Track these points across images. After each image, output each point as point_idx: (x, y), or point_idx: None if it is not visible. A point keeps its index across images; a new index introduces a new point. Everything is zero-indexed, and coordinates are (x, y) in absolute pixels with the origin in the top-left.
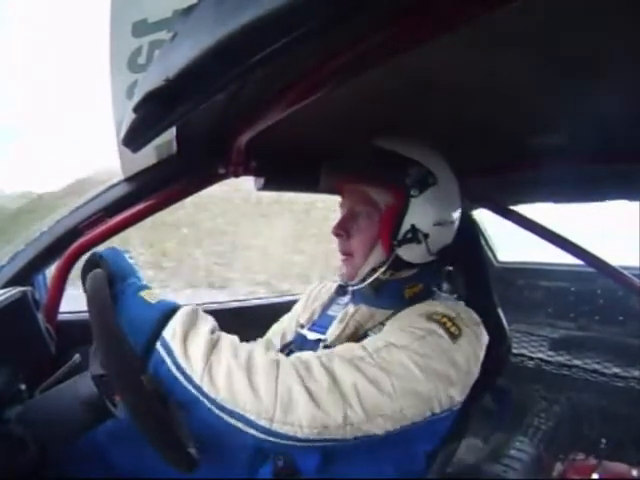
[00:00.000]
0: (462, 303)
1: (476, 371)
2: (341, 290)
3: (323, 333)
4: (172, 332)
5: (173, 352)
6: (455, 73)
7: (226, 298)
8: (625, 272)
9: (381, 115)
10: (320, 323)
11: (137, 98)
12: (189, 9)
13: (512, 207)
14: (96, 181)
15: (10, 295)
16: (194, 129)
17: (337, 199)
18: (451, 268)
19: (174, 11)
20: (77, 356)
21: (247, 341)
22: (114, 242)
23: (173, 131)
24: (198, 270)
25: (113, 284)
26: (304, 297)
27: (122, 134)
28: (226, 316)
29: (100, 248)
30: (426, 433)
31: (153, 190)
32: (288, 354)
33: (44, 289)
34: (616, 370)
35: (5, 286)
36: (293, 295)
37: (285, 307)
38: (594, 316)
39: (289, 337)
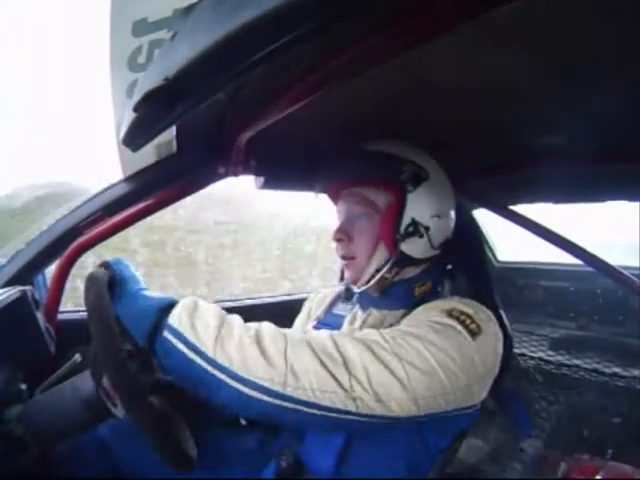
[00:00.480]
0: (476, 302)
1: (496, 369)
2: (347, 294)
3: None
4: (177, 318)
5: (182, 334)
6: (455, 73)
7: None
8: (625, 272)
9: (381, 115)
10: (327, 321)
11: (137, 97)
12: (189, 8)
13: (512, 207)
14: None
15: (10, 295)
16: (194, 128)
17: None
18: (451, 268)
19: (174, 10)
20: (77, 356)
21: None
22: (114, 242)
23: (173, 130)
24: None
25: (114, 287)
26: (307, 304)
27: (122, 133)
28: None
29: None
30: (442, 429)
31: (153, 189)
32: None
33: (44, 289)
34: (616, 370)
35: (5, 286)
36: (292, 295)
37: (284, 307)
38: (594, 316)
39: None
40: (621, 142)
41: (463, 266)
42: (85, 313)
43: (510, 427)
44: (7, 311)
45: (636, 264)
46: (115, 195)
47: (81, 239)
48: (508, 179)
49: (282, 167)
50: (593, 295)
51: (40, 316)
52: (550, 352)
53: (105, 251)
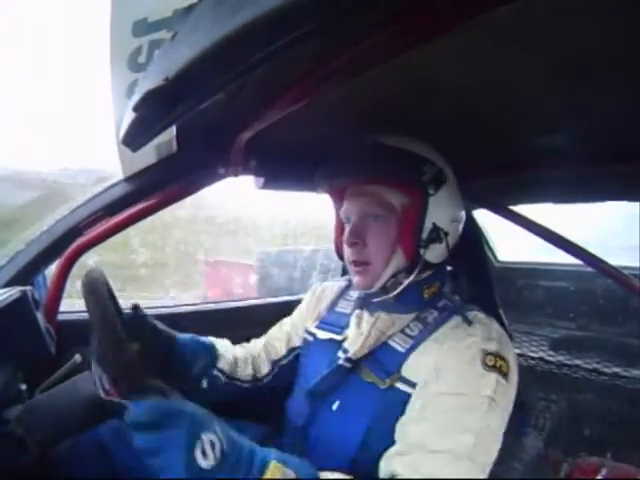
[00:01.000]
0: (492, 320)
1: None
2: (362, 303)
3: (336, 332)
4: None
5: None
6: (455, 73)
7: None
8: (625, 272)
9: (381, 115)
10: (329, 320)
11: (137, 97)
12: (189, 9)
13: (512, 207)
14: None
15: (10, 295)
16: (194, 129)
17: None
18: (452, 268)
19: (174, 11)
20: (77, 356)
21: (247, 340)
22: (114, 242)
23: (173, 130)
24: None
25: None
26: (307, 299)
27: (122, 133)
28: (223, 316)
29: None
30: None
31: (153, 190)
32: (295, 357)
33: (44, 289)
34: (616, 369)
35: (5, 286)
36: (293, 295)
37: (283, 307)
38: (594, 316)
39: (296, 342)
40: (621, 142)
41: (463, 266)
42: (85, 314)
43: (510, 427)
44: (7, 311)
45: (636, 264)
46: (115, 195)
47: (81, 239)
48: (508, 179)
49: (282, 167)
50: (593, 295)
51: (40, 316)
52: (550, 352)
53: (105, 251)
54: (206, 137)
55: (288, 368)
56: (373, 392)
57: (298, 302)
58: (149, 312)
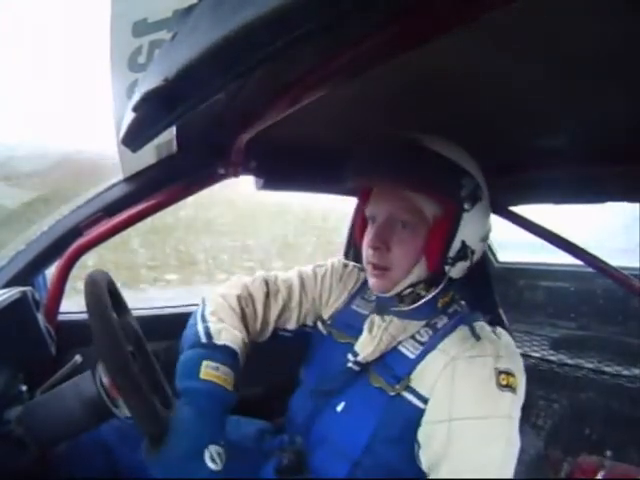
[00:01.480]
0: (498, 332)
1: None
2: (379, 309)
3: (353, 335)
4: None
5: None
6: (455, 73)
7: None
8: (625, 272)
9: (380, 116)
10: (345, 319)
11: (137, 97)
12: (189, 9)
13: (512, 207)
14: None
15: (10, 295)
16: (194, 129)
17: None
18: None
19: (174, 11)
20: (77, 357)
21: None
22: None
23: (173, 131)
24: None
25: None
26: (328, 272)
27: (122, 133)
28: None
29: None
30: None
31: (153, 190)
32: (303, 335)
33: (44, 289)
34: (616, 369)
35: (5, 286)
36: None
37: None
38: (594, 316)
39: (309, 318)
40: (621, 142)
41: None
42: (85, 314)
43: None
44: (7, 312)
45: (636, 264)
46: (115, 195)
47: (81, 240)
48: (508, 179)
49: (282, 168)
50: (593, 295)
51: (40, 317)
52: (551, 351)
53: (105, 251)
54: (206, 137)
55: (292, 340)
56: (380, 398)
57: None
58: (150, 312)
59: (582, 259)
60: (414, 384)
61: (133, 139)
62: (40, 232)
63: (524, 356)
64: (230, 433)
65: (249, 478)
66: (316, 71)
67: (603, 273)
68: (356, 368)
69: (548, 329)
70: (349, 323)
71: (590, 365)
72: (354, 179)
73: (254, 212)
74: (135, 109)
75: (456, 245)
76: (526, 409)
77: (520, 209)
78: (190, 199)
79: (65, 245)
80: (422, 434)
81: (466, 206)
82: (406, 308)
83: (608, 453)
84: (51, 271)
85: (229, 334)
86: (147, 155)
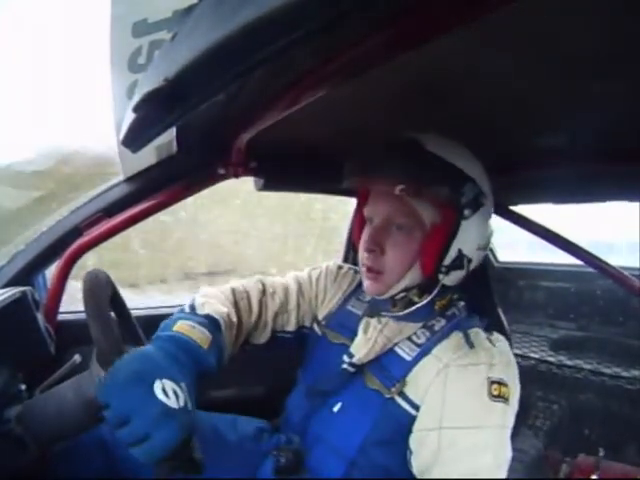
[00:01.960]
0: (492, 339)
1: None
2: (371, 312)
3: (347, 336)
4: None
5: None
6: (454, 73)
7: None
8: (625, 272)
9: (380, 116)
10: (340, 320)
11: (137, 98)
12: (189, 9)
13: (512, 207)
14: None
15: (10, 295)
16: (194, 129)
17: None
18: None
19: (174, 11)
20: (77, 356)
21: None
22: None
23: (173, 131)
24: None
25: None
26: (322, 275)
27: (122, 134)
28: None
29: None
30: None
31: (153, 190)
32: (302, 336)
33: (44, 289)
34: (616, 370)
35: (5, 286)
36: None
37: None
38: (594, 316)
39: (306, 320)
40: (621, 142)
41: None
42: (85, 314)
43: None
44: (7, 312)
45: (636, 264)
46: (115, 196)
47: (81, 240)
48: (508, 179)
49: (282, 168)
50: (593, 296)
51: (40, 317)
52: (550, 352)
53: (105, 251)
54: (206, 137)
55: (292, 342)
56: (376, 400)
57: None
58: (150, 312)
59: (582, 259)
60: (407, 389)
61: (133, 140)
62: (40, 232)
63: (523, 357)
64: (229, 433)
65: (248, 478)
66: (316, 71)
67: (603, 273)
68: (351, 369)
69: (548, 330)
70: (343, 324)
71: (589, 366)
72: (351, 179)
73: (254, 212)
74: (135, 110)
75: (452, 253)
76: (525, 410)
77: (520, 209)
78: (190, 199)
79: (65, 245)
80: (413, 441)
81: (466, 213)
82: (399, 313)
83: (602, 452)
84: (51, 271)
85: (213, 307)
86: (147, 155)
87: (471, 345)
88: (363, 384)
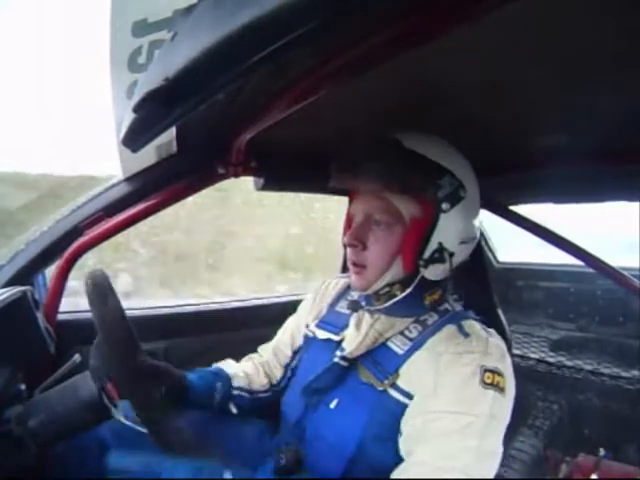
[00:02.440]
0: (488, 330)
1: None
2: (354, 305)
3: (334, 332)
4: None
5: None
6: (455, 73)
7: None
8: (625, 273)
9: (380, 116)
10: (329, 320)
11: (137, 98)
12: (189, 9)
13: (512, 207)
14: None
15: (10, 295)
16: (194, 129)
17: None
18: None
19: (174, 11)
20: (77, 356)
21: (252, 340)
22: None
23: (173, 131)
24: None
25: None
26: (310, 297)
27: (122, 134)
28: (227, 316)
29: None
30: None
31: (153, 190)
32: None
33: (44, 289)
34: (616, 370)
35: (5, 286)
36: (294, 295)
37: (286, 307)
38: (594, 317)
39: (299, 341)
40: (621, 142)
41: (462, 266)
42: (85, 314)
43: (509, 428)
44: (7, 311)
45: (635, 264)
46: (115, 195)
47: (81, 239)
48: (508, 179)
49: (282, 168)
50: (593, 296)
51: (40, 316)
52: (550, 353)
53: (105, 251)
54: (206, 137)
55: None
56: (370, 393)
57: (299, 302)
58: (150, 312)
59: (582, 259)
60: (400, 381)
61: (133, 139)
62: (40, 232)
63: (523, 357)
64: (229, 433)
65: (248, 478)
66: (316, 71)
67: (603, 273)
68: (343, 363)
69: (547, 330)
70: (333, 322)
71: (589, 367)
72: (333, 178)
73: (254, 212)
74: (135, 109)
75: (432, 246)
76: (525, 410)
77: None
78: (190, 199)
79: (65, 245)
80: (403, 423)
81: (444, 207)
82: (381, 307)
83: (602, 452)
84: (51, 271)
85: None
86: (147, 155)
87: (465, 334)
88: (358, 378)
